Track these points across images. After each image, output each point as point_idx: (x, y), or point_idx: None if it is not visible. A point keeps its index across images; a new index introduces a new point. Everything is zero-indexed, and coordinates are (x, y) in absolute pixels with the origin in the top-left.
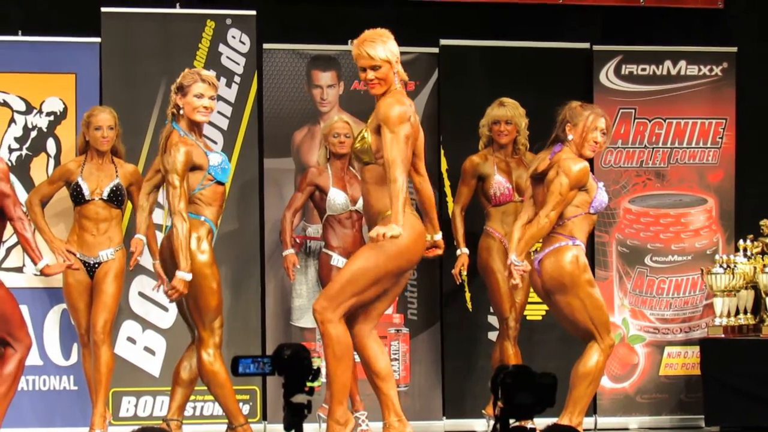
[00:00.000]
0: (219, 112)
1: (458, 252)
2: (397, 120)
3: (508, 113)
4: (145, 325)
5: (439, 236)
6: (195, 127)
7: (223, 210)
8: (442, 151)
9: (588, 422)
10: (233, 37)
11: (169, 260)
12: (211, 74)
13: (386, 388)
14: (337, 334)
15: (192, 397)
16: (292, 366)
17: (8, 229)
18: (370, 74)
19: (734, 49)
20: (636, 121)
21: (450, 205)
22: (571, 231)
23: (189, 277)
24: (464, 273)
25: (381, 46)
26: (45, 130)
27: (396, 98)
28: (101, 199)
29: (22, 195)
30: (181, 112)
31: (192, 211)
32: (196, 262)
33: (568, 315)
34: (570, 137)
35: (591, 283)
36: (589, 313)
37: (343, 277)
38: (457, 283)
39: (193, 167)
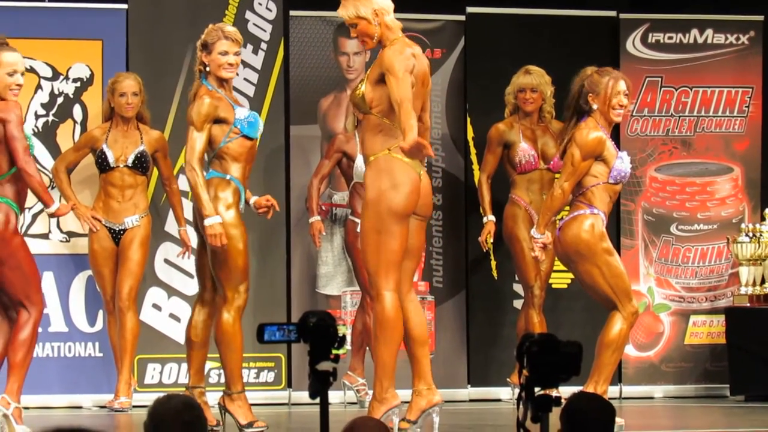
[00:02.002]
0: (245, 79)
1: (485, 219)
2: (398, 68)
3: (533, 81)
4: (171, 291)
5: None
6: (224, 83)
7: (251, 168)
8: (468, 119)
9: (613, 391)
10: (260, 3)
11: (199, 221)
12: (234, 30)
13: (419, 354)
14: (378, 311)
15: (217, 365)
16: (318, 333)
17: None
18: (352, 33)
19: (761, 18)
20: (662, 89)
21: (476, 173)
22: (590, 200)
23: (218, 219)
24: (491, 240)
25: (351, 4)
26: (71, 96)
27: (394, 48)
28: (126, 166)
29: (48, 161)
30: (208, 69)
31: (218, 169)
32: (223, 222)
33: (589, 283)
34: (594, 107)
35: (609, 251)
36: (608, 281)
37: (364, 249)
38: (484, 250)
39: (218, 120)
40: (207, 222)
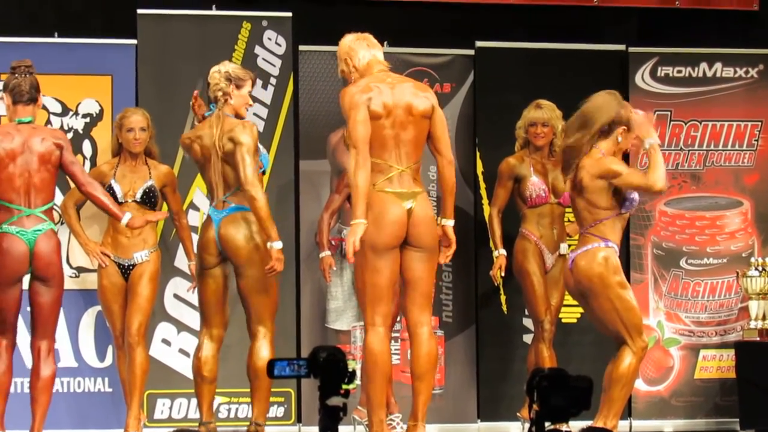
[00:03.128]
0: (255, 114)
1: (496, 254)
2: (345, 108)
3: (544, 115)
4: (180, 326)
5: (446, 222)
6: (239, 119)
7: None
8: (478, 153)
9: (623, 425)
10: (269, 38)
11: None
12: None
13: (415, 388)
14: (364, 346)
15: (226, 399)
16: (328, 369)
17: None
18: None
19: None
20: (671, 123)
21: (486, 207)
22: (603, 233)
23: (281, 245)
24: (502, 274)
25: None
26: (81, 131)
27: (346, 89)
28: (134, 201)
29: (57, 197)
30: (231, 101)
31: (246, 204)
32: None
33: (600, 316)
34: (620, 139)
35: (622, 284)
36: (620, 315)
37: (356, 284)
38: (495, 284)
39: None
40: (277, 245)
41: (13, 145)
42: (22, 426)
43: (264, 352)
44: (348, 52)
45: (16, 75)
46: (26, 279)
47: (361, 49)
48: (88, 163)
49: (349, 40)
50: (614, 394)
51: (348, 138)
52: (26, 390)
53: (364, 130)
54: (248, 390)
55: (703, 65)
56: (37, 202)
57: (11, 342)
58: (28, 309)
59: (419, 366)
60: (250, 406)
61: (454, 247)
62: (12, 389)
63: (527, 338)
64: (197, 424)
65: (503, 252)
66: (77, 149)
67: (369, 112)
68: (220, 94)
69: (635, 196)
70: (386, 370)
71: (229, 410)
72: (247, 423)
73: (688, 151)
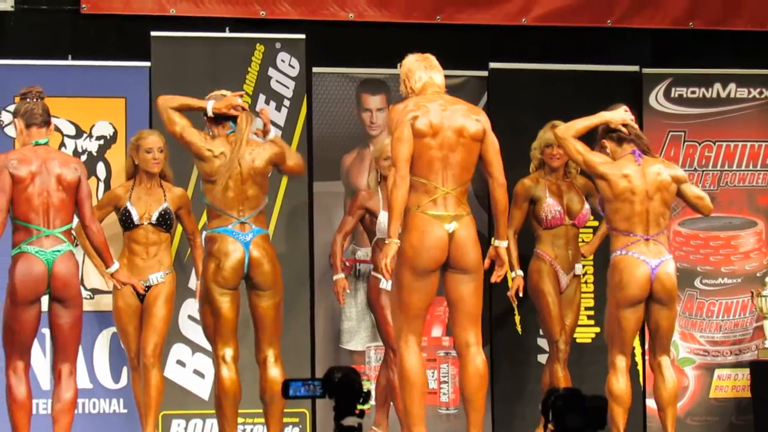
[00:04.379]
0: None
1: (512, 275)
2: (390, 125)
3: None
4: (195, 348)
5: (498, 243)
6: None
7: None
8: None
9: None
10: (282, 60)
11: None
12: None
13: (466, 410)
14: (398, 364)
15: (242, 420)
16: (343, 389)
17: None
18: None
19: None
20: (686, 143)
21: None
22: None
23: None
24: (521, 295)
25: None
26: (95, 154)
27: (394, 105)
28: (150, 223)
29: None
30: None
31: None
32: None
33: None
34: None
35: None
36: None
37: (390, 302)
38: (514, 304)
39: None
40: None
41: (32, 167)
42: None
43: (279, 373)
44: (407, 73)
45: (28, 100)
46: (45, 301)
47: (419, 70)
48: (102, 186)
49: (409, 61)
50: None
51: (390, 157)
52: (42, 411)
53: (405, 149)
54: (260, 411)
55: (717, 86)
56: (56, 223)
57: (28, 363)
58: (44, 331)
59: (468, 386)
60: (265, 427)
61: (506, 268)
62: (45, 411)
63: (542, 358)
64: None
65: (520, 273)
66: (91, 171)
67: (414, 131)
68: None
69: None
70: (422, 386)
71: (244, 431)
72: None
73: (702, 171)
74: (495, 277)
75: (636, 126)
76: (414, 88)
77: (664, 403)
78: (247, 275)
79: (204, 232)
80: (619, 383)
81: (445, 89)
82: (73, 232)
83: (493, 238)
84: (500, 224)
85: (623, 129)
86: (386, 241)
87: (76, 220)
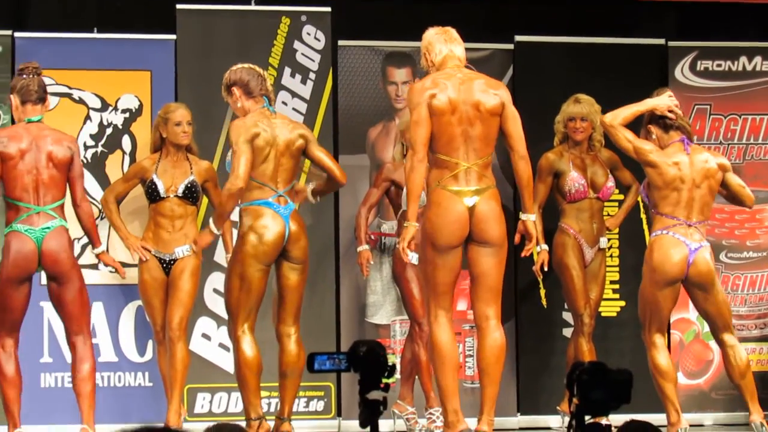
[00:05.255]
0: (294, 109)
1: (537, 249)
2: (410, 106)
3: (583, 110)
4: (220, 321)
5: (525, 216)
6: None
7: None
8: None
9: (661, 419)
10: (308, 33)
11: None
12: None
13: (481, 383)
14: (429, 338)
15: (266, 393)
16: (368, 362)
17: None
18: None
19: None
20: (711, 117)
21: None
22: None
23: None
24: (545, 269)
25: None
26: (120, 127)
27: (413, 84)
28: (176, 196)
29: (97, 192)
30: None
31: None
32: None
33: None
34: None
35: None
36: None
37: (419, 279)
38: (539, 279)
39: None
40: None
41: (21, 145)
42: (71, 421)
43: (301, 347)
44: (427, 46)
45: (24, 76)
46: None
47: (439, 43)
48: (127, 159)
49: (429, 34)
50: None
51: (406, 138)
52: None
53: (422, 132)
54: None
55: (743, 59)
56: (47, 200)
57: (17, 340)
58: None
59: (483, 359)
60: (279, 401)
61: (534, 241)
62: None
63: (567, 332)
64: (254, 418)
65: (545, 247)
66: (117, 144)
67: (432, 109)
68: (272, 92)
69: None
70: (454, 360)
71: (269, 404)
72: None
73: (728, 144)
74: (525, 251)
75: (680, 112)
76: (434, 62)
77: (736, 379)
78: (283, 249)
79: (241, 204)
80: (663, 360)
81: (465, 62)
82: (97, 204)
83: (520, 212)
84: (526, 198)
85: (669, 115)
86: (404, 225)
87: (99, 192)
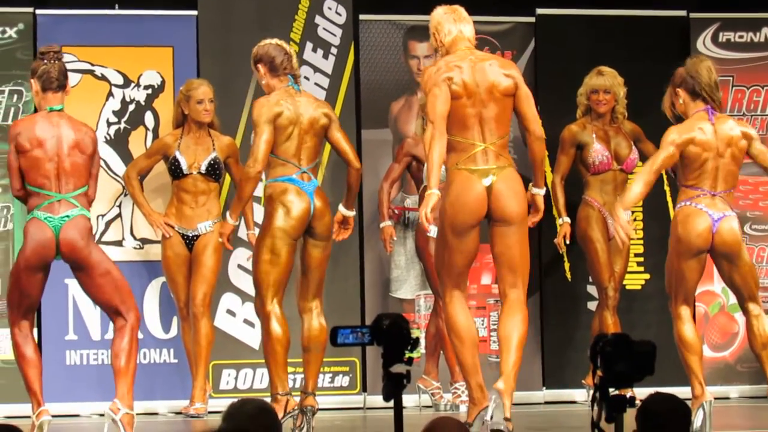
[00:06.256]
0: (316, 84)
1: (560, 221)
2: (426, 84)
3: (606, 82)
4: (245, 297)
5: (535, 191)
6: None
7: None
8: (540, 121)
9: (686, 391)
10: (329, 8)
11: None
12: None
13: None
14: (445, 317)
15: (292, 369)
16: (391, 336)
17: (108, 202)
18: None
19: None
20: (734, 88)
21: (549, 175)
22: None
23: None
24: (567, 242)
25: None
26: (143, 103)
27: (427, 67)
28: (199, 172)
29: (120, 168)
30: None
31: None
32: None
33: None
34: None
35: None
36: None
37: (434, 258)
38: (561, 252)
39: None
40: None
41: (42, 133)
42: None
43: (324, 322)
44: (436, 26)
45: (45, 61)
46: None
47: (448, 23)
48: (150, 135)
49: (437, 14)
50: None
51: (426, 114)
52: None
53: (442, 105)
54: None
55: (765, 30)
56: (68, 188)
57: (32, 322)
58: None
59: (502, 334)
60: (304, 376)
61: (540, 215)
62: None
63: (591, 305)
64: (282, 393)
65: (567, 220)
66: (139, 121)
67: (450, 92)
68: (298, 69)
69: None
70: (472, 337)
71: (294, 380)
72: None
73: (751, 116)
74: (530, 223)
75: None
76: (444, 42)
77: (757, 349)
78: (308, 225)
79: (265, 182)
80: (689, 332)
81: (475, 41)
82: (120, 180)
83: (530, 185)
84: (538, 174)
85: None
86: (427, 193)
87: (122, 168)
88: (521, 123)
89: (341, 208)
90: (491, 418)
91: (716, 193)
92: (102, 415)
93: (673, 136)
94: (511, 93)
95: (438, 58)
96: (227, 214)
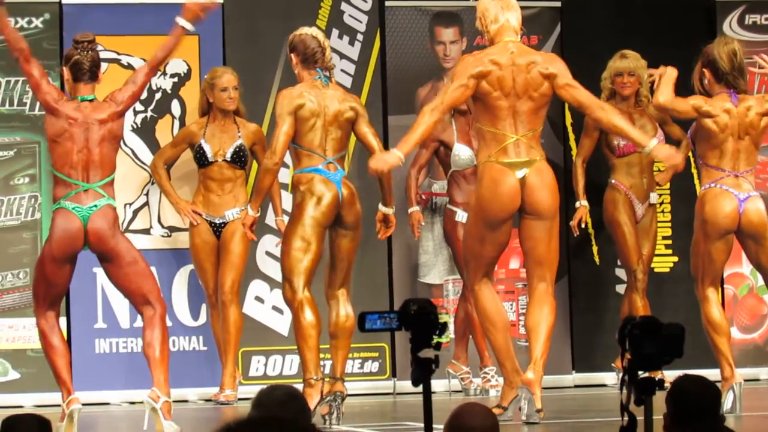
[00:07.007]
0: (342, 70)
1: (577, 204)
2: (456, 71)
3: (630, 65)
4: (273, 284)
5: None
6: None
7: None
8: (566, 105)
9: (715, 374)
10: None
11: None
12: None
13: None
14: (475, 304)
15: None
16: (419, 321)
17: (135, 191)
18: None
19: None
20: (760, 71)
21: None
22: None
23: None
24: (582, 225)
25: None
26: (169, 91)
27: (466, 56)
28: (225, 160)
29: (147, 157)
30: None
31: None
32: None
33: None
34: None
35: None
36: None
37: (462, 247)
38: (575, 235)
39: None
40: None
41: (70, 125)
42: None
43: (351, 310)
44: (483, 11)
45: (78, 50)
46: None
47: (496, 9)
48: (177, 123)
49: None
50: None
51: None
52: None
53: (458, 93)
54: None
55: None
56: (95, 178)
57: (58, 312)
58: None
59: (531, 323)
60: (332, 362)
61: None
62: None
63: (620, 289)
64: (315, 378)
65: (585, 203)
66: (166, 109)
67: (481, 89)
68: (330, 61)
69: None
70: (504, 321)
71: (323, 366)
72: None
73: None
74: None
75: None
76: (489, 30)
77: None
78: (337, 214)
79: (292, 173)
80: (716, 313)
81: (521, 29)
82: (147, 168)
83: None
84: (630, 133)
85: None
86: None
87: (149, 156)
88: (586, 113)
89: (381, 206)
90: (522, 411)
91: (739, 173)
92: (132, 403)
93: (699, 101)
94: (549, 93)
95: (483, 45)
96: (248, 205)
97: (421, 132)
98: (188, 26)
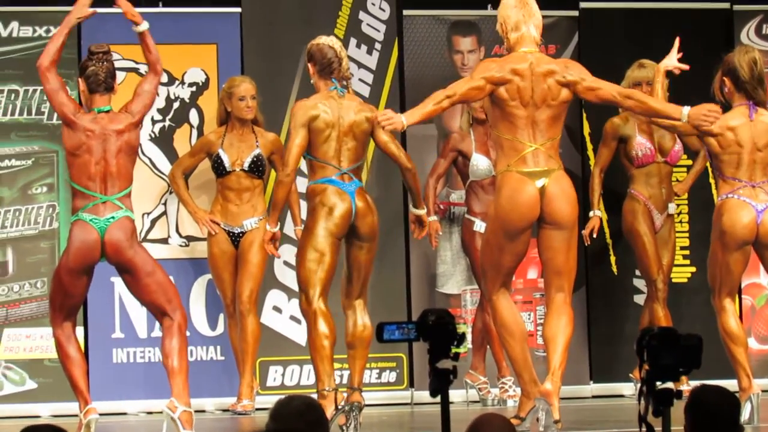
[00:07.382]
0: (360, 80)
1: (591, 214)
2: (474, 70)
3: (648, 74)
4: (291, 294)
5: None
6: None
7: None
8: (584, 114)
9: (733, 384)
10: (373, 4)
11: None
12: None
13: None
14: (493, 315)
15: (338, 366)
16: (437, 331)
17: (154, 200)
18: None
19: None
20: None
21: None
22: None
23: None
24: (594, 236)
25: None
26: (187, 101)
27: (485, 61)
28: (242, 169)
29: (165, 166)
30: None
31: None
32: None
33: None
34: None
35: None
36: None
37: (479, 256)
38: (586, 244)
39: None
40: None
41: (89, 136)
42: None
43: (369, 320)
44: (504, 18)
45: (93, 61)
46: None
47: (517, 17)
48: (195, 132)
49: (508, 4)
50: None
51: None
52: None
53: (470, 89)
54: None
55: None
56: (113, 189)
57: (75, 323)
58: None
59: (549, 333)
60: (349, 372)
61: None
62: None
63: (638, 299)
64: (329, 389)
65: (598, 213)
66: (184, 118)
67: (496, 94)
68: (348, 71)
69: None
70: (521, 332)
71: (341, 376)
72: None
73: None
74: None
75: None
76: (509, 37)
77: None
78: (352, 225)
79: (307, 184)
80: (733, 324)
81: (540, 38)
82: (165, 178)
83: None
84: (667, 110)
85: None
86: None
87: (167, 166)
88: (616, 105)
89: (411, 208)
90: (539, 421)
91: (756, 184)
92: (150, 413)
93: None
94: (568, 99)
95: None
96: (267, 224)
97: (429, 111)
98: (141, 27)
